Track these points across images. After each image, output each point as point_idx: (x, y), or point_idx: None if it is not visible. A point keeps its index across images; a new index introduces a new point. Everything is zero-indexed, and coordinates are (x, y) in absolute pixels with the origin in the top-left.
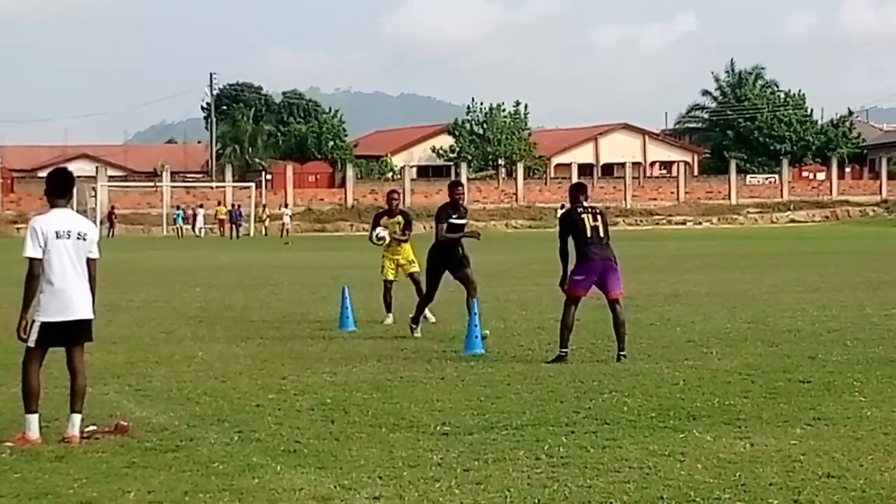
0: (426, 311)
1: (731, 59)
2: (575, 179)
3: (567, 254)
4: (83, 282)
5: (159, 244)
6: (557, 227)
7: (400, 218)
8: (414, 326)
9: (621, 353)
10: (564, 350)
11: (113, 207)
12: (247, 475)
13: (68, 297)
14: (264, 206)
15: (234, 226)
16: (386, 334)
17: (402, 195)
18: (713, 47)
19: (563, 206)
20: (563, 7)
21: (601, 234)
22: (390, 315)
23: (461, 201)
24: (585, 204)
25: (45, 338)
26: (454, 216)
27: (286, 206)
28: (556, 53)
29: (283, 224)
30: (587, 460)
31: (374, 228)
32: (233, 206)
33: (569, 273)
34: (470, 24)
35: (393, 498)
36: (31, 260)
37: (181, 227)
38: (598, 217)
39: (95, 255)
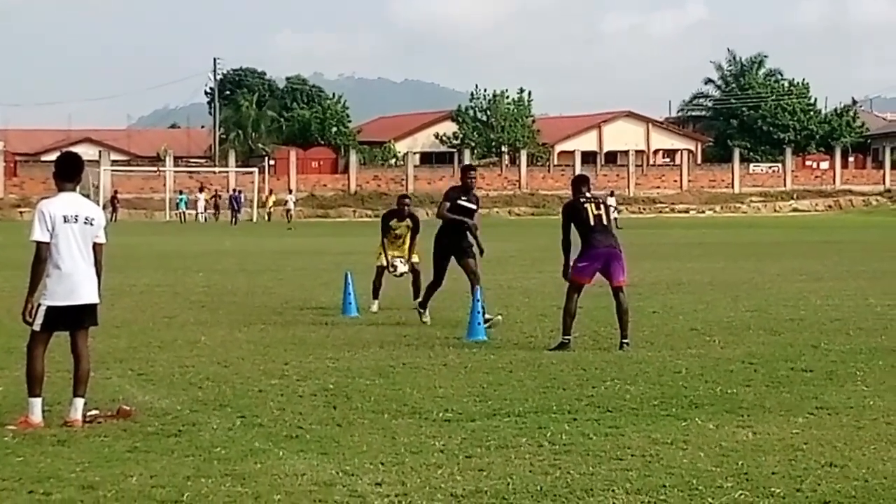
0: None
1: (728, 48)
2: (578, 167)
3: (570, 244)
4: (89, 266)
5: (162, 229)
6: (561, 218)
7: (409, 221)
8: (422, 311)
9: (624, 341)
10: (567, 337)
11: (116, 192)
12: (249, 460)
13: (75, 282)
14: (270, 192)
15: (232, 211)
16: (388, 321)
17: (411, 202)
18: (722, 36)
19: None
20: None
21: (605, 223)
22: (376, 302)
23: (472, 187)
24: (588, 194)
25: (51, 322)
26: (463, 198)
27: (290, 191)
28: (563, 41)
29: (288, 210)
30: (589, 448)
31: (383, 232)
32: (233, 191)
33: (572, 261)
34: (478, 10)
35: (395, 484)
36: (39, 244)
37: (184, 212)
38: (602, 206)
39: (102, 239)
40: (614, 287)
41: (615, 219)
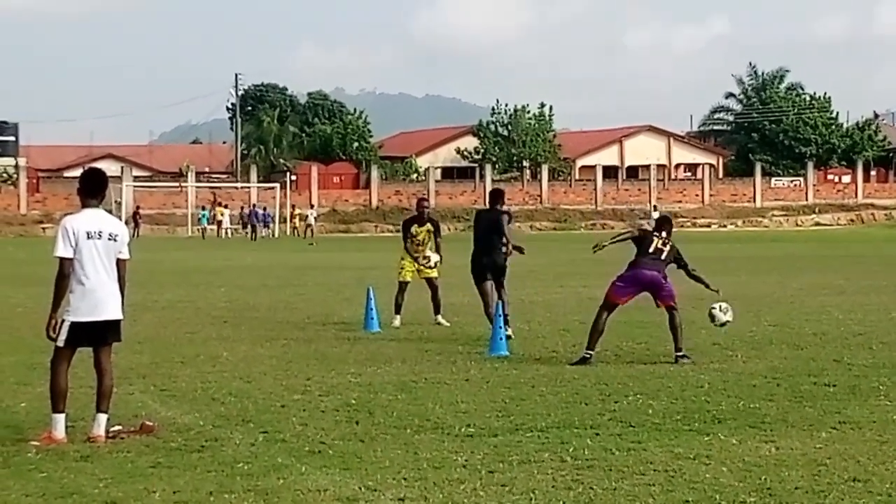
0: (440, 316)
1: (750, 62)
2: (600, 182)
3: (628, 236)
4: (113, 282)
5: (184, 244)
6: (628, 232)
7: (430, 225)
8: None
9: (678, 353)
10: (589, 352)
11: (138, 207)
12: (272, 476)
13: (98, 298)
14: (293, 207)
15: (252, 227)
16: (410, 336)
17: (430, 205)
18: (744, 49)
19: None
20: (594, 8)
21: (662, 257)
22: (398, 317)
23: (505, 210)
24: (664, 235)
25: (75, 337)
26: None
27: (312, 206)
28: (584, 55)
29: (309, 225)
30: (612, 463)
31: (404, 237)
32: (253, 206)
33: (616, 278)
34: (499, 25)
35: (418, 499)
36: (62, 259)
37: (205, 228)
38: (668, 244)
39: (125, 255)
40: (665, 307)
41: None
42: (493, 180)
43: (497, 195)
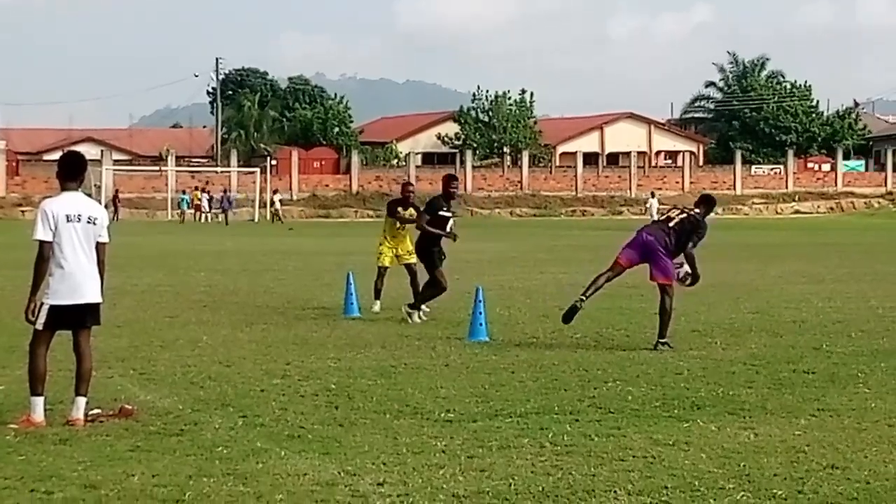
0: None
1: (730, 51)
2: (580, 168)
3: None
4: (92, 265)
5: (164, 228)
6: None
7: (412, 210)
8: (411, 312)
9: (660, 340)
10: (582, 298)
11: (117, 191)
12: (251, 460)
13: (77, 281)
14: (276, 191)
15: (223, 212)
16: (390, 321)
17: (414, 189)
18: (726, 38)
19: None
20: None
21: (671, 224)
22: (378, 302)
23: (455, 196)
24: (690, 210)
25: (54, 321)
26: (444, 208)
27: (275, 192)
28: (566, 43)
29: (276, 209)
30: (591, 449)
31: (391, 215)
32: (224, 191)
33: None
34: (481, 12)
35: (397, 484)
36: (42, 243)
37: (185, 212)
38: (683, 213)
39: (105, 239)
40: (658, 285)
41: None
42: (473, 166)
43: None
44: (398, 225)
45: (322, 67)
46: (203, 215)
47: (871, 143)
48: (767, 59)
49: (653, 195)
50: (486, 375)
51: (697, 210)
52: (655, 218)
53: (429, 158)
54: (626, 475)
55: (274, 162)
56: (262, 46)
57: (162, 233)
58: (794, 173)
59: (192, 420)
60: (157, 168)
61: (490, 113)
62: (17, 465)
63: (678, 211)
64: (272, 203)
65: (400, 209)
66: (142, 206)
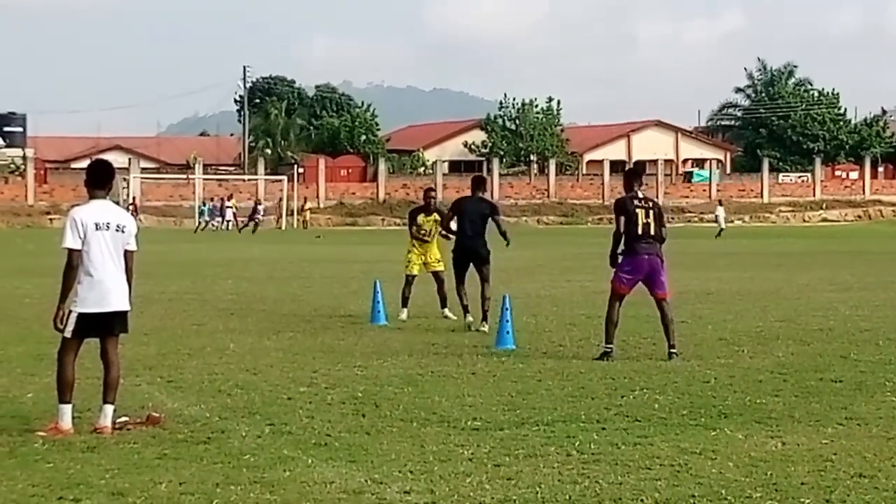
0: (447, 309)
1: (759, 57)
2: (607, 176)
3: (620, 236)
4: (121, 273)
5: (190, 236)
6: (614, 212)
7: (436, 216)
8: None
9: (671, 350)
10: (609, 346)
11: (134, 199)
12: (278, 468)
13: (106, 289)
14: (305, 199)
15: (256, 224)
16: (417, 329)
17: (437, 194)
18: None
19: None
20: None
21: (652, 232)
22: (405, 310)
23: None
24: (641, 195)
25: (82, 329)
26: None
27: (259, 203)
28: (593, 49)
29: (253, 219)
30: (618, 457)
31: (411, 225)
32: (256, 203)
33: (618, 257)
34: (508, 19)
35: (424, 492)
36: (70, 251)
37: (208, 222)
38: (652, 212)
39: (133, 247)
40: (657, 299)
41: (722, 229)
42: (500, 174)
43: (479, 182)
44: (422, 232)
45: (349, 75)
46: (227, 223)
47: None
48: (795, 67)
49: (720, 203)
50: (513, 384)
51: (641, 193)
52: (724, 227)
53: (456, 166)
54: (652, 484)
55: (301, 170)
56: (289, 54)
57: (189, 240)
58: (822, 181)
59: (220, 428)
60: (184, 176)
61: (517, 121)
62: (45, 472)
63: (644, 213)
64: (301, 210)
65: (422, 216)
66: (169, 214)
